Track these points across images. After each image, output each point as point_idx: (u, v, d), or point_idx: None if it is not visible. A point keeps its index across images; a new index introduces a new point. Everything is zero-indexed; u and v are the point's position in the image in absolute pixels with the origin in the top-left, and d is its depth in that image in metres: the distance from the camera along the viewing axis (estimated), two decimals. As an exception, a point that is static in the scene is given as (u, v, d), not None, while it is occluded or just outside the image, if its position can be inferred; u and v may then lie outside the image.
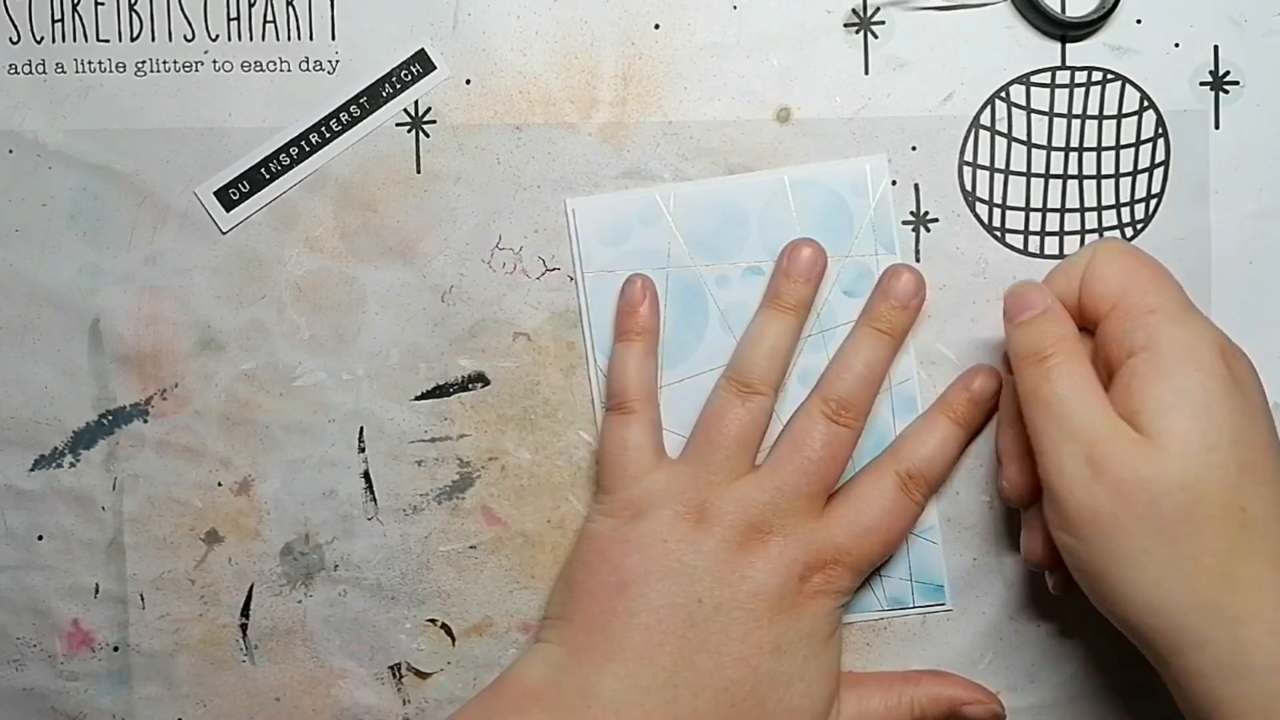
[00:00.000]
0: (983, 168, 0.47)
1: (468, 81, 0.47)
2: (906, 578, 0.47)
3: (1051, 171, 0.47)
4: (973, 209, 0.47)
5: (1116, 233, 0.47)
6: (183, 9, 0.47)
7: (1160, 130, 0.47)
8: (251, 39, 0.47)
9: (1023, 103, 0.47)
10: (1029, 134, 0.47)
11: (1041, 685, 0.48)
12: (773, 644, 0.42)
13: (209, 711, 0.48)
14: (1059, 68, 0.47)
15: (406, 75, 0.47)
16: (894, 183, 0.47)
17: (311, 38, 0.47)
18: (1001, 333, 0.46)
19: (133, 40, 0.47)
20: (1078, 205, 0.47)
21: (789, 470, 0.44)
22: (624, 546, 0.43)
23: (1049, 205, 0.47)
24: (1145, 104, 0.47)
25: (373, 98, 0.47)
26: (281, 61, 0.47)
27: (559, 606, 0.45)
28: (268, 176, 0.47)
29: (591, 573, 0.43)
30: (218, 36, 0.47)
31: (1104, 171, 0.47)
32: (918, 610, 0.48)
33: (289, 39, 0.47)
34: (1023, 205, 0.47)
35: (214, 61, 0.47)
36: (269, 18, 0.47)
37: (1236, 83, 0.47)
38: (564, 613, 0.44)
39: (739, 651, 0.42)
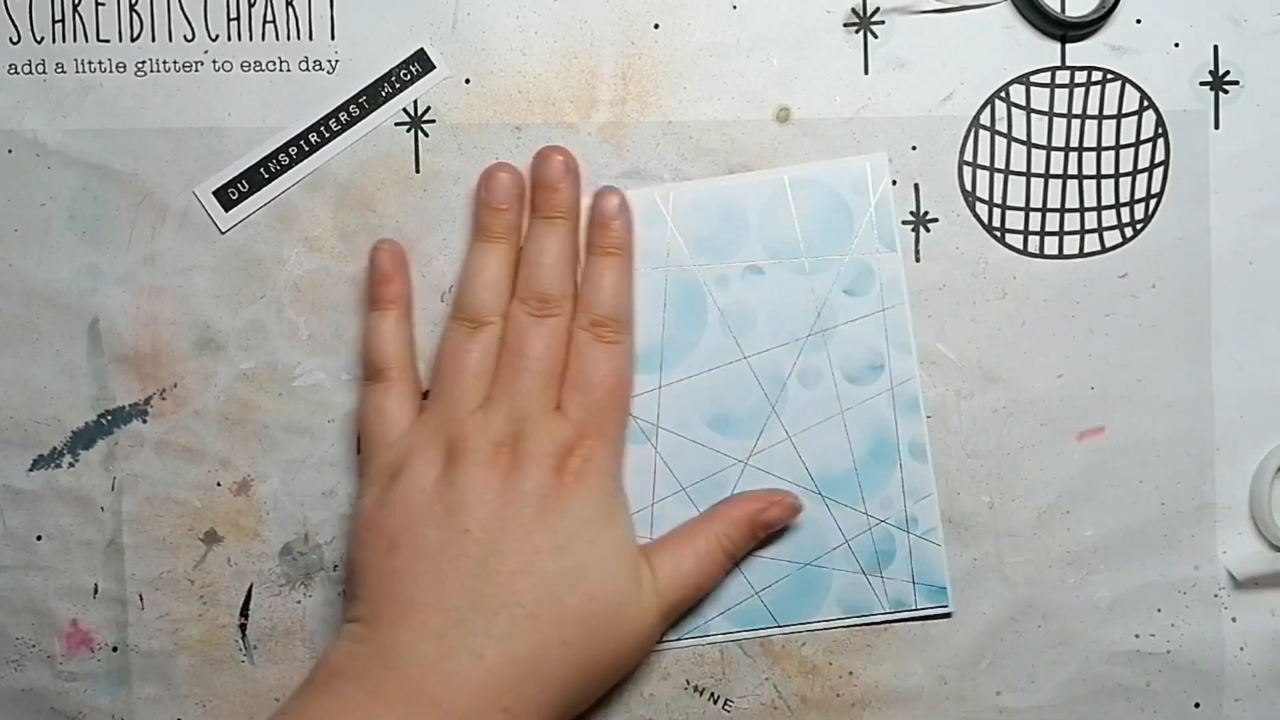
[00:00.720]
0: (983, 168, 0.47)
1: (467, 81, 0.47)
2: (909, 579, 0.47)
3: (1051, 171, 0.47)
4: (973, 209, 0.47)
5: (1116, 233, 0.47)
6: (183, 9, 0.47)
7: (1160, 130, 0.47)
8: (251, 39, 0.47)
9: (1023, 103, 0.47)
10: (1029, 134, 0.47)
11: (1041, 685, 0.48)
12: (551, 545, 0.42)
13: (208, 712, 0.48)
14: (1059, 68, 0.47)
15: (406, 75, 0.47)
16: (894, 182, 0.47)
17: (311, 37, 0.47)
18: (998, 330, 0.46)
19: (133, 40, 0.47)
20: (1078, 205, 0.47)
21: (516, 380, 0.44)
22: (388, 510, 0.43)
23: (1049, 205, 0.47)
24: (1145, 104, 0.47)
25: (372, 97, 0.47)
26: (281, 61, 0.47)
27: (350, 586, 0.44)
28: (267, 176, 0.47)
29: (365, 545, 0.43)
30: (218, 36, 0.47)
31: (1104, 171, 0.47)
32: (920, 612, 0.48)
33: (289, 39, 0.47)
34: (1023, 205, 0.47)
35: (214, 61, 0.47)
36: (269, 18, 0.47)
37: (1236, 82, 0.47)
38: (354, 591, 0.43)
39: (519, 563, 0.42)
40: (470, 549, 0.42)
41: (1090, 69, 0.47)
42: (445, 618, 0.41)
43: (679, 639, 0.47)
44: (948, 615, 0.48)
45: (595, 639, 0.42)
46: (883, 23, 0.47)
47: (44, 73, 0.47)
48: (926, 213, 0.47)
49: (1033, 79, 0.47)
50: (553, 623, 0.41)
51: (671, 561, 0.45)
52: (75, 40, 0.47)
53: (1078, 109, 0.47)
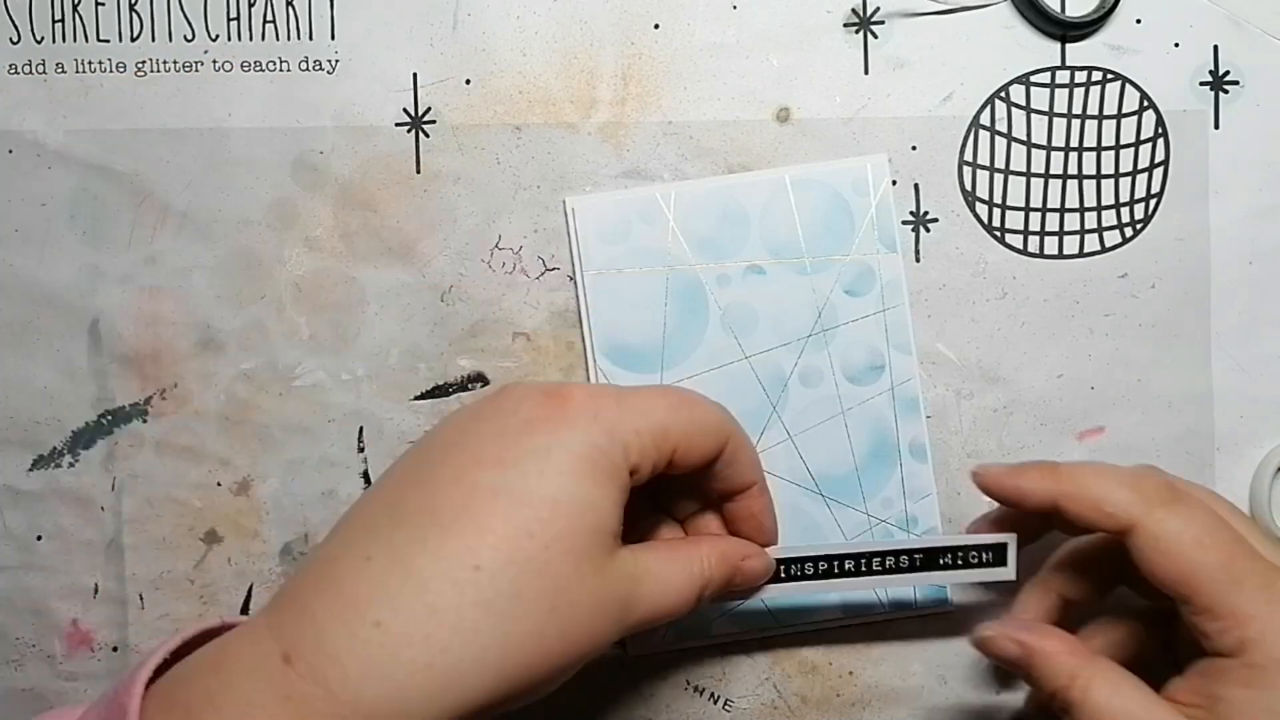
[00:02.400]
0: (983, 167, 0.47)
1: (467, 81, 0.47)
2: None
3: (1051, 171, 0.47)
4: (973, 209, 0.47)
5: (1116, 233, 0.47)
6: (183, 9, 0.47)
7: (1160, 130, 0.47)
8: (251, 39, 0.47)
9: (1023, 102, 0.47)
10: (1029, 134, 0.47)
11: (1042, 685, 0.48)
12: (495, 457, 0.35)
13: (208, 712, 0.48)
14: (1059, 67, 0.47)
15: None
16: (894, 182, 0.47)
17: (311, 37, 0.47)
18: (998, 330, 0.46)
19: (133, 40, 0.47)
20: (1078, 205, 0.47)
21: None
22: None
23: (1049, 205, 0.47)
24: (1145, 104, 0.47)
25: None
26: (281, 61, 0.47)
27: None
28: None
29: None
30: (218, 36, 0.47)
31: (1104, 171, 0.47)
32: (921, 611, 0.48)
33: (289, 39, 0.47)
34: (1023, 205, 0.47)
35: (214, 61, 0.47)
36: (269, 17, 0.47)
37: (1236, 82, 0.47)
38: None
39: (454, 472, 0.35)
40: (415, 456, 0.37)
41: (1090, 69, 0.47)
42: (362, 523, 0.35)
43: (678, 639, 0.47)
44: (950, 614, 0.48)
45: (522, 583, 0.33)
46: (883, 23, 0.47)
47: (44, 73, 0.47)
48: (926, 213, 0.47)
49: (1033, 79, 0.47)
50: (464, 540, 0.33)
51: (658, 563, 0.38)
52: (75, 40, 0.47)
53: (1078, 109, 0.47)
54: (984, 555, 0.43)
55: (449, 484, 0.34)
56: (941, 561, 0.43)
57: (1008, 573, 0.43)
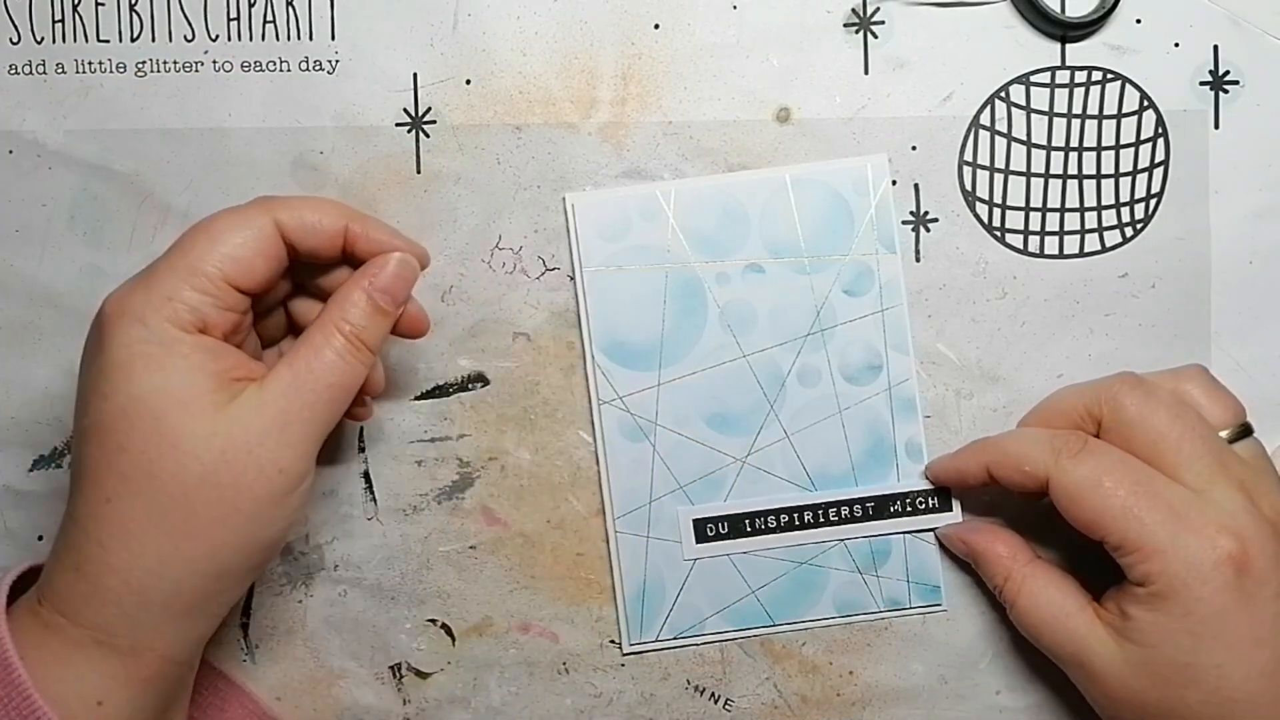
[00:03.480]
0: (983, 167, 0.47)
1: (468, 81, 0.47)
2: (904, 578, 0.47)
3: (1051, 171, 0.47)
4: (972, 209, 0.47)
5: (1116, 233, 0.47)
6: (183, 9, 0.47)
7: (1160, 130, 0.47)
8: (251, 39, 0.47)
9: (1022, 102, 0.47)
10: (1029, 134, 0.47)
11: (1041, 685, 0.48)
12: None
13: (209, 711, 0.48)
14: (1059, 67, 0.47)
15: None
16: (894, 182, 0.47)
17: (311, 38, 0.47)
18: (998, 330, 0.46)
19: (133, 40, 0.47)
20: (1077, 205, 0.47)
21: None
22: None
23: (1049, 205, 0.47)
24: (1145, 104, 0.47)
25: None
26: (281, 61, 0.47)
27: None
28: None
29: None
30: (218, 36, 0.47)
31: (1104, 171, 0.47)
32: (915, 611, 0.48)
33: (289, 39, 0.47)
34: (1023, 205, 0.47)
35: (214, 61, 0.47)
36: (269, 18, 0.47)
37: (1236, 82, 0.47)
38: None
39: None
40: None
41: (1090, 69, 0.47)
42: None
43: (677, 639, 0.47)
44: (949, 612, 0.48)
45: (143, 492, 0.37)
46: (883, 22, 0.47)
47: (44, 73, 0.47)
48: (926, 213, 0.47)
49: (1033, 79, 0.47)
50: (90, 480, 0.38)
51: (288, 367, 0.39)
52: (75, 40, 0.47)
53: (1078, 109, 0.47)
54: (930, 501, 0.47)
55: (77, 436, 0.39)
56: (892, 509, 0.47)
57: (953, 517, 0.47)
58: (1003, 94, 0.47)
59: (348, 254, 0.41)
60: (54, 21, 0.47)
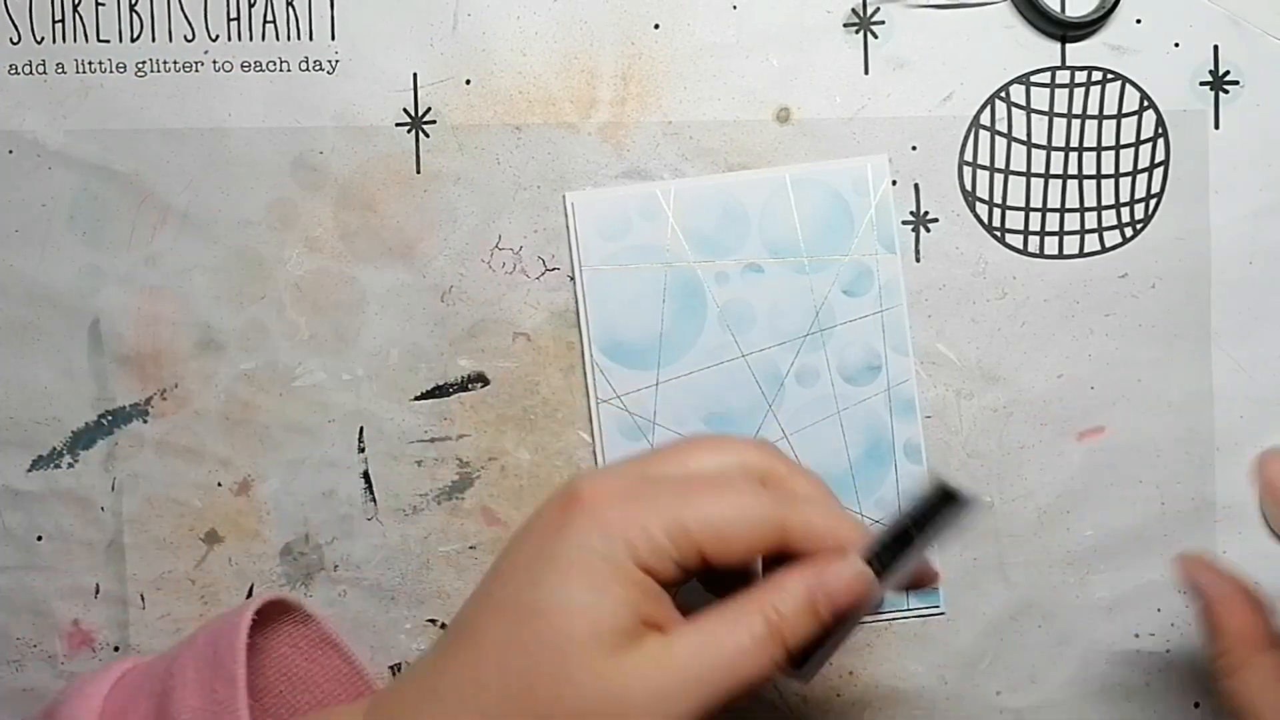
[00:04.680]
0: (983, 167, 0.47)
1: (468, 81, 0.47)
2: (906, 578, 0.47)
3: (1051, 171, 0.47)
4: (973, 209, 0.47)
5: (1116, 233, 0.47)
6: (183, 9, 0.47)
7: (1160, 130, 0.47)
8: (251, 39, 0.47)
9: (1023, 102, 0.47)
10: (1029, 134, 0.47)
11: (1041, 685, 0.48)
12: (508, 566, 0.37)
13: (208, 711, 0.48)
14: (1059, 67, 0.47)
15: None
16: (894, 182, 0.47)
17: (311, 37, 0.47)
18: (998, 330, 0.46)
19: (133, 40, 0.47)
20: (1078, 205, 0.47)
21: None
22: None
23: (1049, 205, 0.47)
24: (1145, 104, 0.47)
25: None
26: (281, 61, 0.47)
27: None
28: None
29: None
30: (218, 36, 0.47)
31: (1104, 171, 0.47)
32: (913, 613, 0.48)
33: (289, 39, 0.47)
34: (1023, 205, 0.47)
35: (214, 61, 0.47)
36: (269, 18, 0.47)
37: (1236, 82, 0.47)
38: None
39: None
40: None
41: (1090, 69, 0.47)
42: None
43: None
44: (949, 613, 0.48)
45: (515, 694, 0.34)
46: (883, 22, 0.47)
47: (44, 73, 0.47)
48: (926, 213, 0.47)
49: (1033, 79, 0.47)
50: (469, 653, 0.35)
51: (700, 632, 0.34)
52: (75, 40, 0.47)
53: (1078, 109, 0.47)
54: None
55: (477, 598, 0.36)
56: None
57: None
58: (1003, 94, 0.47)
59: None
60: (54, 21, 0.47)
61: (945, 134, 0.47)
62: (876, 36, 0.47)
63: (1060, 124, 0.47)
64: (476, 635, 0.35)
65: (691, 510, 0.35)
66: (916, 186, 0.47)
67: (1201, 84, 0.47)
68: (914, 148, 0.47)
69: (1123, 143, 0.47)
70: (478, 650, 0.35)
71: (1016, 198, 0.47)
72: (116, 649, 0.48)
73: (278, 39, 0.47)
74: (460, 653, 0.35)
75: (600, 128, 0.47)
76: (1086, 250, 0.47)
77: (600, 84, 0.47)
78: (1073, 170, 0.47)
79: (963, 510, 0.37)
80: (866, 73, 0.47)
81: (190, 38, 0.47)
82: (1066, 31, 0.47)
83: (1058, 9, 0.46)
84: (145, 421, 0.48)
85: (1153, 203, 0.47)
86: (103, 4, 0.47)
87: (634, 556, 0.34)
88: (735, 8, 0.47)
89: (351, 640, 0.48)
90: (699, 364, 0.47)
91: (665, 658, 0.34)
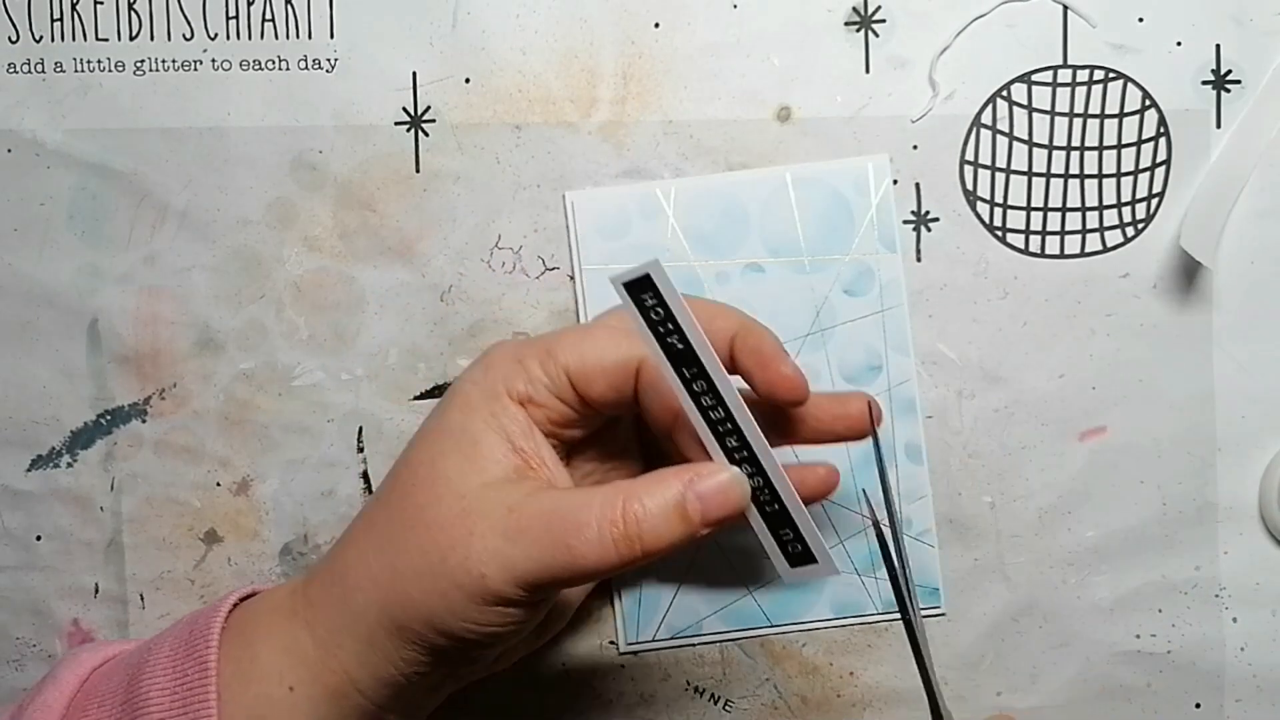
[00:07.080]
0: (984, 167, 0.47)
1: (467, 80, 0.47)
2: (906, 578, 0.47)
3: (1053, 170, 0.47)
4: (974, 208, 0.47)
5: (1117, 232, 0.47)
6: (182, 8, 0.47)
7: (1162, 129, 0.47)
8: (250, 38, 0.47)
9: (1024, 102, 0.47)
10: (1030, 133, 0.47)
11: (1042, 686, 0.48)
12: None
13: (208, 712, 0.48)
14: (1060, 66, 0.47)
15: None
16: (895, 182, 0.47)
17: (310, 36, 0.47)
18: (999, 330, 0.46)
19: (132, 40, 0.47)
20: (1079, 204, 0.47)
21: None
22: None
23: (1050, 204, 0.47)
24: (1147, 103, 0.47)
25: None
26: (280, 60, 0.47)
27: None
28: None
29: None
30: (216, 35, 0.47)
31: (1105, 171, 0.47)
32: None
33: (288, 37, 0.47)
34: (1024, 204, 0.47)
35: (213, 61, 0.47)
36: (268, 16, 0.47)
37: (1238, 82, 0.47)
38: None
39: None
40: None
41: (1092, 68, 0.47)
42: None
43: (674, 639, 0.47)
44: (942, 615, 0.48)
45: (398, 496, 0.38)
46: (884, 21, 0.47)
47: (43, 72, 0.47)
48: (928, 212, 0.47)
49: (1034, 78, 0.47)
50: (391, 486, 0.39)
51: (563, 494, 0.36)
52: (75, 40, 0.47)
53: (1079, 108, 0.47)
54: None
55: None
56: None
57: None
58: (1004, 93, 0.47)
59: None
60: (53, 20, 0.47)
61: (946, 133, 0.47)
62: (877, 35, 0.47)
63: (1061, 123, 0.47)
64: (379, 487, 0.40)
65: (559, 341, 0.39)
66: (918, 186, 0.47)
67: (1203, 83, 0.47)
68: (915, 147, 0.47)
69: (1124, 142, 0.47)
70: (376, 494, 0.40)
71: (1018, 197, 0.47)
72: (116, 649, 0.48)
73: (276, 37, 0.47)
74: (366, 506, 0.40)
75: (600, 127, 0.47)
76: (1088, 250, 0.47)
77: (600, 83, 0.47)
78: (1074, 169, 0.47)
79: None
80: (867, 71, 0.47)
81: (189, 36, 0.47)
82: None
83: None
84: (144, 421, 0.47)
85: (1154, 202, 0.47)
86: (101, 3, 0.47)
87: (508, 385, 0.38)
88: (736, 6, 0.47)
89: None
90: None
91: (518, 502, 0.35)
